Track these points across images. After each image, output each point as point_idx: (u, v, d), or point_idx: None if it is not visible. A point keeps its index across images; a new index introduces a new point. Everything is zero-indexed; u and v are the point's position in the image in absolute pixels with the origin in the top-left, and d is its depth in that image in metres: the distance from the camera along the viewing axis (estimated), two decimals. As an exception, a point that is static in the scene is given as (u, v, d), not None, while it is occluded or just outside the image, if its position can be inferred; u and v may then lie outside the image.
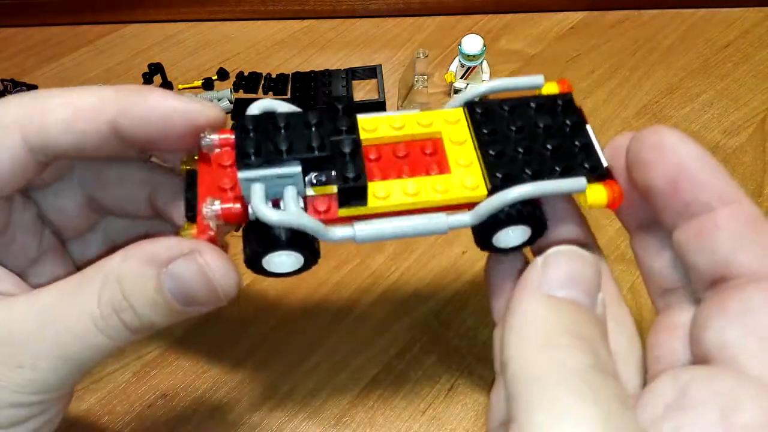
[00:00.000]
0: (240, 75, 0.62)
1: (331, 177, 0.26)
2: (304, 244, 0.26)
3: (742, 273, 0.18)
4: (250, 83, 0.61)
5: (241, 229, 0.27)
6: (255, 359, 0.40)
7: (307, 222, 0.25)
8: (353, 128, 0.27)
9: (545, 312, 0.19)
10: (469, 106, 0.28)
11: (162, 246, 0.24)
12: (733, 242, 0.19)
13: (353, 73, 0.61)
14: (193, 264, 0.24)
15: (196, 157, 0.27)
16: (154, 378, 0.40)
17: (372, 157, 0.27)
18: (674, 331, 0.20)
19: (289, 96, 0.59)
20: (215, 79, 0.61)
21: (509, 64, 0.62)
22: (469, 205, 0.26)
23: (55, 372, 0.23)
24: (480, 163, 0.26)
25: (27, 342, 0.22)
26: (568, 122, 0.27)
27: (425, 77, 0.56)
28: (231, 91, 0.59)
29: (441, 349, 0.40)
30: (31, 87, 0.61)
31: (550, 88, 0.29)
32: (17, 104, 0.25)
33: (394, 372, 0.40)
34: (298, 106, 0.28)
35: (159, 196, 0.30)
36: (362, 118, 0.28)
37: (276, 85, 0.60)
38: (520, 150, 0.26)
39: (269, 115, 0.27)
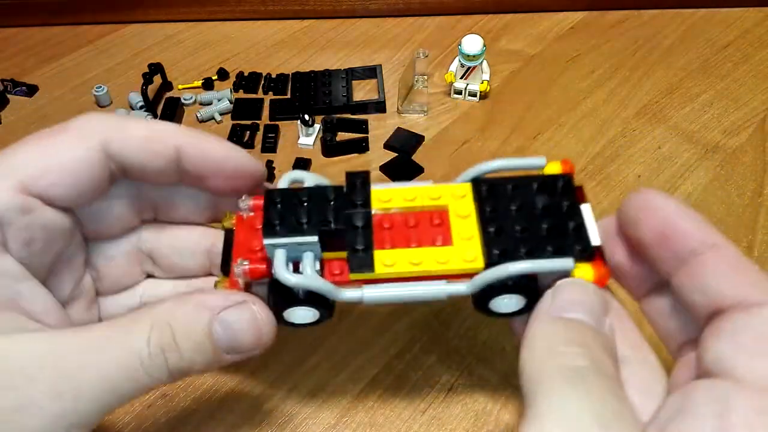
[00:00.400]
0: (240, 75, 0.62)
1: (344, 245, 0.30)
2: (320, 302, 0.30)
3: (731, 303, 0.21)
4: (250, 83, 0.61)
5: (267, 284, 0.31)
6: (255, 359, 0.40)
7: (320, 285, 0.29)
8: (367, 203, 0.30)
9: (553, 328, 0.23)
10: (476, 183, 0.31)
11: (215, 295, 0.27)
12: (720, 279, 0.22)
13: (353, 73, 0.61)
14: (246, 312, 0.27)
15: (233, 218, 0.32)
16: (154, 378, 0.40)
17: (386, 226, 0.31)
18: (689, 364, 0.24)
19: (289, 96, 0.59)
20: (215, 79, 0.61)
21: (509, 64, 0.62)
22: (469, 275, 0.28)
23: (94, 403, 0.24)
24: (480, 238, 0.29)
25: (71, 373, 0.23)
26: (565, 203, 0.29)
27: (425, 77, 0.56)
28: (231, 91, 0.59)
29: (441, 349, 0.40)
30: (31, 87, 0.61)
31: (553, 168, 0.31)
32: (100, 118, 0.28)
33: (394, 372, 0.40)
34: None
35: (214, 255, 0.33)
36: (378, 190, 0.31)
37: (276, 85, 0.60)
38: (518, 228, 0.28)
39: (294, 190, 0.31)
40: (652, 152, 0.53)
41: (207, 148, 0.29)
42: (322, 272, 0.30)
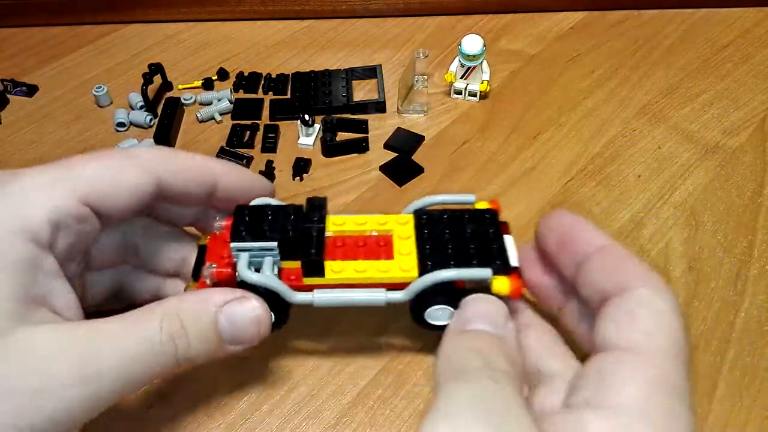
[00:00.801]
0: (240, 75, 0.62)
1: (298, 253, 0.35)
2: (277, 304, 0.34)
3: (613, 292, 0.26)
4: (250, 83, 0.61)
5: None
6: (255, 359, 0.40)
7: (276, 284, 0.33)
8: (322, 220, 0.36)
9: (457, 339, 0.27)
10: (417, 213, 0.37)
11: (218, 291, 0.31)
12: (604, 273, 0.27)
13: (353, 73, 0.61)
14: (248, 306, 0.31)
15: (208, 237, 0.37)
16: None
17: (338, 244, 0.36)
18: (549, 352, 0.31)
19: (289, 96, 0.59)
20: (215, 79, 0.61)
21: (509, 64, 0.62)
22: (406, 285, 0.33)
23: (113, 386, 0.26)
24: (416, 254, 0.34)
25: (93, 359, 0.26)
26: (491, 231, 0.35)
27: (425, 77, 0.56)
28: (231, 91, 0.59)
29: (441, 349, 0.40)
30: (31, 87, 0.61)
31: (482, 205, 0.38)
32: (157, 152, 0.33)
33: (394, 372, 0.40)
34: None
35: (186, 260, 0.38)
36: (334, 216, 0.37)
37: (276, 85, 0.60)
38: (449, 247, 0.34)
39: (261, 206, 0.36)
40: (652, 152, 0.53)
41: (239, 178, 0.36)
42: (279, 277, 0.35)
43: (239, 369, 0.40)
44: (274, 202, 0.38)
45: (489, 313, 0.28)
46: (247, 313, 0.31)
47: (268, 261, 0.34)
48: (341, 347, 0.41)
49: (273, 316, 0.35)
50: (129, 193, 0.31)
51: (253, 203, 0.37)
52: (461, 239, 0.35)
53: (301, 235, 0.35)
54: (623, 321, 0.25)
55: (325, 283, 0.35)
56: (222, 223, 0.36)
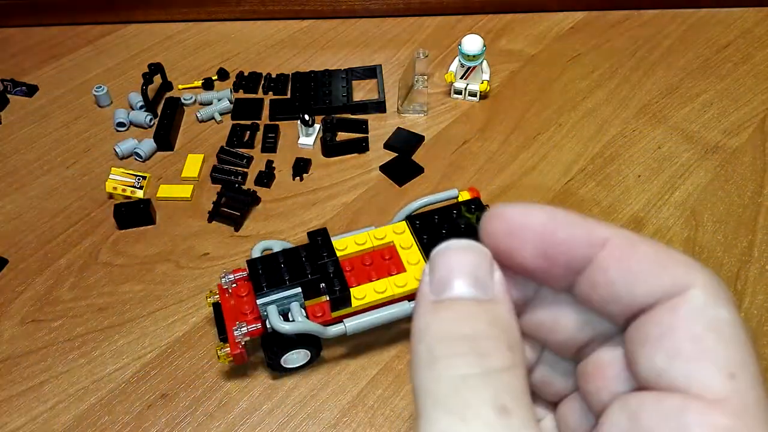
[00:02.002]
0: (240, 75, 0.62)
1: (322, 290, 0.37)
2: (311, 342, 0.37)
3: (649, 301, 0.18)
4: (250, 83, 0.61)
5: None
6: (255, 359, 0.40)
7: (311, 326, 0.36)
8: (332, 253, 0.38)
9: (430, 323, 0.18)
10: (410, 219, 0.39)
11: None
12: (626, 280, 0.18)
13: (353, 73, 0.61)
14: None
15: (216, 295, 0.39)
16: (154, 378, 0.40)
17: (348, 269, 0.38)
18: (605, 370, 0.19)
19: (289, 96, 0.59)
20: (215, 79, 0.61)
21: (509, 63, 0.62)
22: None
23: None
24: (424, 260, 0.35)
25: None
26: (478, 214, 0.36)
27: (425, 77, 0.56)
28: (231, 91, 0.59)
29: (441, 349, 0.40)
30: (31, 87, 0.61)
31: (464, 196, 0.40)
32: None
33: (394, 372, 0.40)
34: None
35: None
36: (335, 240, 0.39)
37: (276, 85, 0.60)
38: None
39: (270, 255, 0.38)
40: (652, 152, 0.53)
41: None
42: (307, 317, 0.36)
43: (239, 369, 0.40)
44: (275, 244, 0.40)
45: (467, 267, 0.19)
46: None
47: (295, 307, 0.36)
48: (341, 347, 0.41)
49: (308, 353, 0.38)
50: None
51: (256, 253, 0.39)
52: (458, 230, 0.37)
53: (320, 273, 0.37)
54: (685, 351, 0.17)
55: (352, 312, 0.37)
56: (231, 278, 0.38)
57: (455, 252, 0.19)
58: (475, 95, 0.58)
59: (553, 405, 0.22)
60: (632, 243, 0.18)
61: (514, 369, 0.17)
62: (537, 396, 0.22)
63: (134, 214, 0.48)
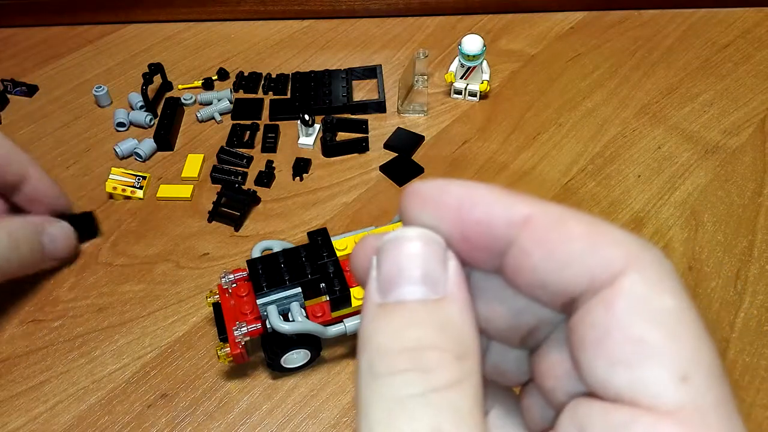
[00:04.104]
0: (240, 75, 0.62)
1: (322, 290, 0.37)
2: (310, 342, 0.37)
3: (581, 289, 0.15)
4: (250, 83, 0.61)
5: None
6: (255, 359, 0.40)
7: (312, 326, 0.36)
8: (332, 253, 0.37)
9: (375, 331, 0.16)
10: None
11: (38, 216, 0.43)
12: (552, 263, 0.15)
13: (353, 73, 0.61)
14: (64, 228, 0.41)
15: (216, 295, 0.39)
16: (154, 378, 0.40)
17: (348, 269, 0.37)
18: (555, 368, 0.17)
19: (289, 96, 0.59)
20: (215, 79, 0.61)
21: (509, 64, 0.62)
22: None
23: None
24: None
25: None
26: None
27: (425, 77, 0.56)
28: (231, 91, 0.59)
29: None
30: (31, 87, 0.61)
31: None
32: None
33: (394, 372, 0.40)
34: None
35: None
36: (335, 240, 0.39)
37: (276, 85, 0.60)
38: None
39: (270, 255, 0.38)
40: (652, 152, 0.53)
41: (47, 186, 0.49)
42: (306, 317, 0.37)
43: (239, 369, 0.40)
44: (275, 244, 0.40)
45: (416, 260, 0.16)
46: (64, 235, 0.39)
47: (295, 307, 0.36)
48: (341, 347, 0.41)
49: (308, 353, 0.38)
50: None
51: (256, 253, 0.39)
52: None
53: (320, 273, 0.37)
54: (625, 356, 0.14)
55: (352, 312, 0.37)
56: (231, 278, 0.38)
57: (403, 243, 0.17)
58: (475, 95, 0.58)
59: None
60: (558, 220, 0.15)
61: (462, 383, 0.15)
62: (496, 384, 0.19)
63: (77, 226, 0.47)
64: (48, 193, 0.44)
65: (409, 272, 0.16)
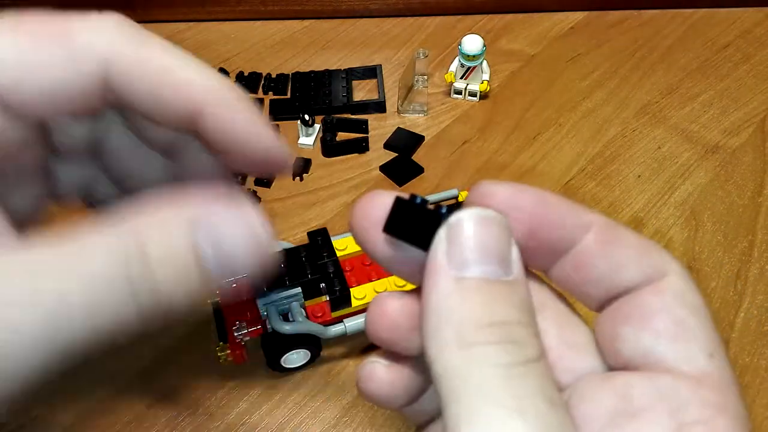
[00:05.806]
0: (240, 75, 0.62)
1: (322, 290, 0.37)
2: (310, 342, 0.37)
3: (629, 285, 0.19)
4: (250, 83, 0.61)
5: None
6: (255, 359, 0.40)
7: (311, 327, 0.36)
8: (332, 253, 0.38)
9: (457, 303, 0.17)
10: None
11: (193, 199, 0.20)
12: (609, 264, 0.19)
13: (353, 73, 0.61)
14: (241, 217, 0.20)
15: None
16: (154, 378, 0.40)
17: (347, 269, 0.38)
18: (573, 349, 0.19)
19: (289, 96, 0.59)
20: (215, 79, 0.61)
21: (509, 64, 0.62)
22: None
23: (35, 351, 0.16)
24: None
25: (19, 305, 0.16)
26: None
27: (425, 77, 0.56)
28: (231, 91, 0.59)
29: (441, 349, 0.40)
30: (31, 87, 0.61)
31: (464, 196, 0.38)
32: (113, 33, 0.23)
33: (394, 372, 0.40)
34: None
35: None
36: (335, 240, 0.39)
37: (276, 85, 0.60)
38: None
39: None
40: (652, 152, 0.53)
41: (234, 119, 0.22)
42: (307, 317, 0.37)
43: (239, 369, 0.40)
44: (277, 245, 0.40)
45: (492, 242, 0.17)
46: (239, 230, 0.20)
47: (295, 307, 0.37)
48: (341, 347, 0.41)
49: (308, 353, 0.38)
50: (54, 93, 0.20)
51: None
52: None
53: (320, 273, 0.37)
54: (672, 331, 0.17)
55: (352, 312, 0.38)
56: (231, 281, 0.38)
57: (479, 223, 0.18)
58: (475, 95, 0.58)
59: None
60: (615, 229, 0.19)
61: (545, 358, 0.17)
62: None
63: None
64: (240, 140, 0.22)
65: (491, 250, 0.18)
